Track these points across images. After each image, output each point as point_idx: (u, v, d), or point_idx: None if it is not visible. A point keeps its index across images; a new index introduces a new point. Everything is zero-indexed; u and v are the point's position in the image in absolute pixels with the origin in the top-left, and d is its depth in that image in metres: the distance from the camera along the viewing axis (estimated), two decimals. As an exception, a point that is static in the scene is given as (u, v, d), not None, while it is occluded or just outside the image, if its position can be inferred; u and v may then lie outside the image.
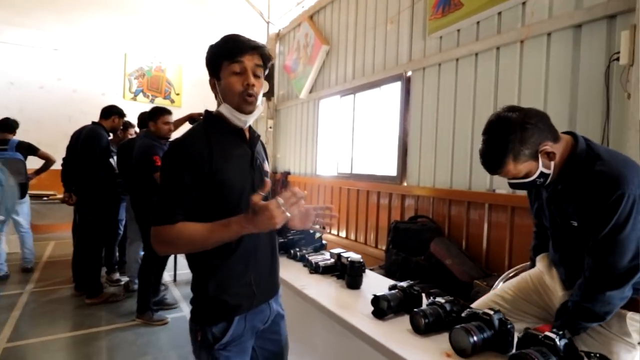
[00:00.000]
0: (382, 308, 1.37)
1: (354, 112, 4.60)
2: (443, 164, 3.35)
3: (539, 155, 1.21)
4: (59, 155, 4.00)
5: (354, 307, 1.50)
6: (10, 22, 6.04)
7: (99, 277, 3.53)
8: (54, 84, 6.43)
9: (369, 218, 4.30)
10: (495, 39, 2.87)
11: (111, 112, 3.51)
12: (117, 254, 4.12)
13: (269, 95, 6.58)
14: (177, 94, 7.38)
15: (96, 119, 3.60)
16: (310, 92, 5.53)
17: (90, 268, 3.43)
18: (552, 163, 1.23)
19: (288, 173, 6.25)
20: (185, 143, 1.08)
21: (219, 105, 1.13)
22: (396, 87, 3.91)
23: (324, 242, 2.20)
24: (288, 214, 0.99)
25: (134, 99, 7.02)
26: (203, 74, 1.19)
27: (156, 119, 2.98)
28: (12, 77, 6.14)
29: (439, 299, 1.28)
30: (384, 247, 3.89)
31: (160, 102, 7.25)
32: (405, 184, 3.79)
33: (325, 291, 1.68)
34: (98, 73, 6.76)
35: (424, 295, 1.46)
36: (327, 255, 2.02)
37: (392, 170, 3.96)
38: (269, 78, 6.35)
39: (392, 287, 1.47)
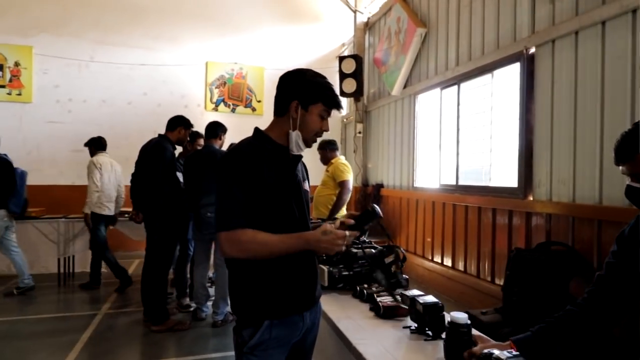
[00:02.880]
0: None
1: (459, 108, 4.19)
2: (586, 171, 2.81)
3: None
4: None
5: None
6: (102, 41, 7.08)
7: (165, 303, 3.72)
8: (141, 99, 7.28)
9: (482, 243, 3.82)
10: (665, -15, 2.29)
11: (176, 124, 3.73)
12: (189, 276, 4.32)
13: (357, 95, 6.42)
14: (259, 101, 7.73)
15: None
16: (405, 87, 5.26)
17: (155, 293, 3.63)
18: None
19: (381, 186, 6.01)
20: (241, 152, 1.36)
21: (280, 122, 1.42)
22: (514, 70, 3.51)
23: (404, 276, 1.90)
24: (344, 248, 1.32)
25: (215, 109, 7.56)
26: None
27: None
28: (104, 95, 7.14)
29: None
30: (502, 283, 3.37)
31: (241, 110, 7.68)
32: (530, 198, 3.28)
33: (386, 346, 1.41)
34: (180, 85, 7.47)
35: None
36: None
37: (511, 181, 3.53)
38: (357, 74, 6.21)
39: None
